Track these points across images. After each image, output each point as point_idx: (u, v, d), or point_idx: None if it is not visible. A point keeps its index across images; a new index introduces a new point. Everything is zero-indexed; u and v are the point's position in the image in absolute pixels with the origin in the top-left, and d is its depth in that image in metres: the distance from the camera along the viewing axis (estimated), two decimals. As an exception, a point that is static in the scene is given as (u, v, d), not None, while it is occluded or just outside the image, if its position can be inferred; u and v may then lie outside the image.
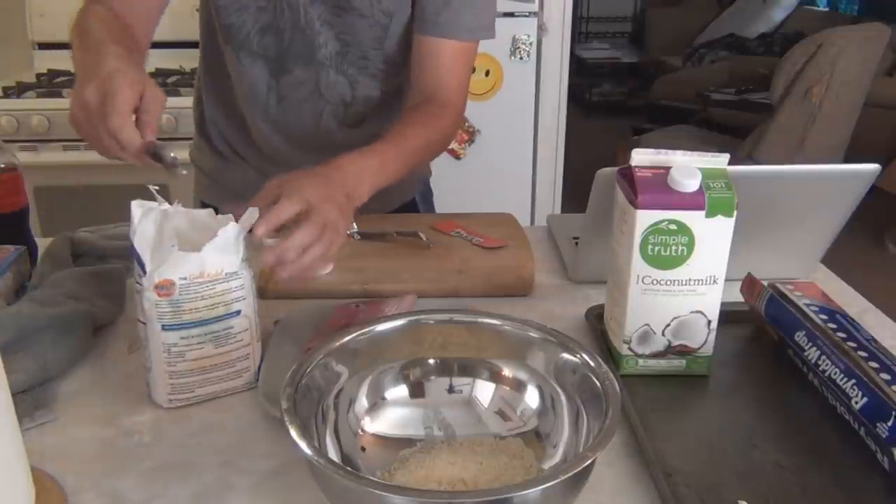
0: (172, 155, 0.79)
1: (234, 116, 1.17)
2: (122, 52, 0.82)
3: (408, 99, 1.13)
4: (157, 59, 2.29)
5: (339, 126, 1.14)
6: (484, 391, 0.70)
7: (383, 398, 0.69)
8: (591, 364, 0.64)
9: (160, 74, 2.25)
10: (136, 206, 0.72)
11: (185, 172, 0.81)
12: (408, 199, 1.30)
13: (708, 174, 0.74)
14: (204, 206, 1.24)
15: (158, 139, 0.80)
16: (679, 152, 0.76)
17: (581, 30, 6.83)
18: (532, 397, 0.68)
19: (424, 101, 1.06)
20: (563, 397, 0.66)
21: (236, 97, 1.15)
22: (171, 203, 0.75)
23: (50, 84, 2.23)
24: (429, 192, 1.36)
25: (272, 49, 1.07)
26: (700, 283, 0.75)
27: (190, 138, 1.29)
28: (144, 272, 0.70)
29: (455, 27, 1.04)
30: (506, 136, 2.57)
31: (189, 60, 2.23)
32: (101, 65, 0.80)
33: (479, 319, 0.71)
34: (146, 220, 0.72)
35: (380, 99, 1.14)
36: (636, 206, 0.73)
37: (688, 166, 0.74)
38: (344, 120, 1.14)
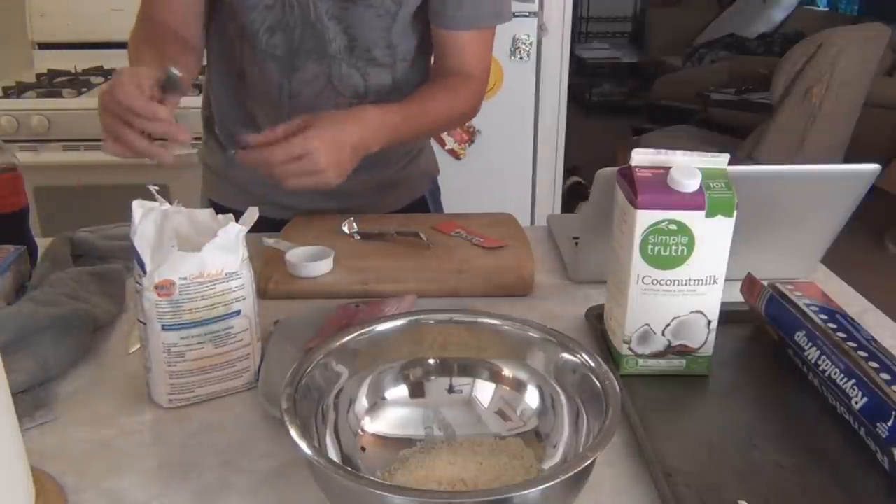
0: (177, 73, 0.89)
1: (245, 114, 1.18)
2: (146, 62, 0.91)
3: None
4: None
5: None
6: (484, 391, 0.70)
7: (383, 398, 0.69)
8: (591, 364, 0.64)
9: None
10: (137, 206, 0.72)
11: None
12: (418, 197, 1.30)
13: (708, 174, 0.74)
14: (212, 203, 1.25)
15: None
16: (679, 152, 0.76)
17: (581, 30, 6.84)
18: (532, 397, 0.68)
19: (449, 75, 1.09)
20: (563, 397, 0.66)
21: (249, 98, 1.15)
22: (171, 203, 0.75)
23: (50, 84, 2.23)
24: (437, 191, 1.36)
25: (281, 48, 1.07)
26: (700, 283, 0.75)
27: (193, 138, 1.29)
28: (144, 272, 0.70)
29: (475, 18, 1.06)
30: (506, 136, 2.57)
31: (189, 60, 2.23)
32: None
33: (479, 319, 0.71)
34: (147, 220, 0.72)
35: (392, 89, 1.14)
36: (636, 206, 0.73)
37: (688, 166, 0.74)
38: None
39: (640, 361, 0.79)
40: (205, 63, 1.20)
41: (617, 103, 5.89)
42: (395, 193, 1.26)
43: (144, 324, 0.72)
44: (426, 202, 1.32)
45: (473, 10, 1.05)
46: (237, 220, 0.75)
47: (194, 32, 1.08)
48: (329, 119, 0.95)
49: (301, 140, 0.91)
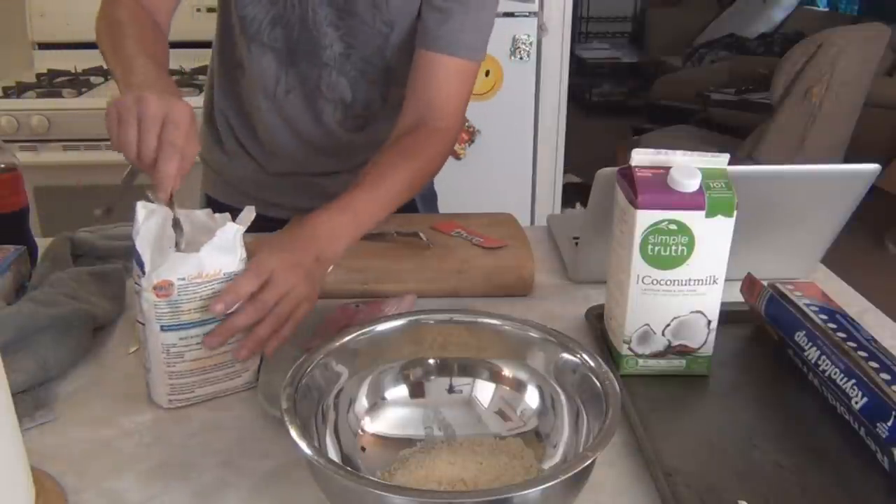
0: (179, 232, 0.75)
1: (243, 110, 1.18)
2: (153, 72, 0.84)
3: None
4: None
5: (340, 127, 1.14)
6: (484, 391, 0.70)
7: (383, 398, 0.69)
8: (591, 364, 0.64)
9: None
10: (141, 207, 0.72)
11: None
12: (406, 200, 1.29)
13: (708, 174, 0.73)
14: (209, 200, 1.25)
15: None
16: (679, 152, 0.76)
17: (581, 30, 6.83)
18: (532, 397, 0.68)
19: (415, 126, 1.03)
20: (563, 397, 0.66)
21: (246, 90, 1.15)
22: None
23: (50, 84, 2.23)
24: (431, 195, 1.35)
25: (281, 41, 1.08)
26: (700, 283, 0.75)
27: None
28: (144, 273, 0.70)
29: (454, 43, 1.03)
30: (506, 136, 2.57)
31: (190, 60, 2.23)
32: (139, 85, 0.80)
33: (479, 319, 0.71)
34: (149, 221, 0.72)
35: (381, 105, 1.14)
36: (636, 206, 0.73)
37: (688, 166, 0.74)
38: (344, 121, 1.14)
39: (640, 361, 0.79)
40: (207, 63, 1.20)
41: (617, 103, 5.89)
42: None
43: (143, 324, 0.72)
44: (416, 206, 1.31)
45: (453, 34, 1.03)
46: (235, 218, 0.75)
47: (164, 18, 1.04)
48: (271, 239, 0.84)
49: (253, 264, 0.75)
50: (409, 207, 1.29)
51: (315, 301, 0.79)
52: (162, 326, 0.71)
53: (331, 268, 0.85)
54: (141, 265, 0.71)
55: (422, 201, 1.32)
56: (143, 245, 0.71)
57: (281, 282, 0.74)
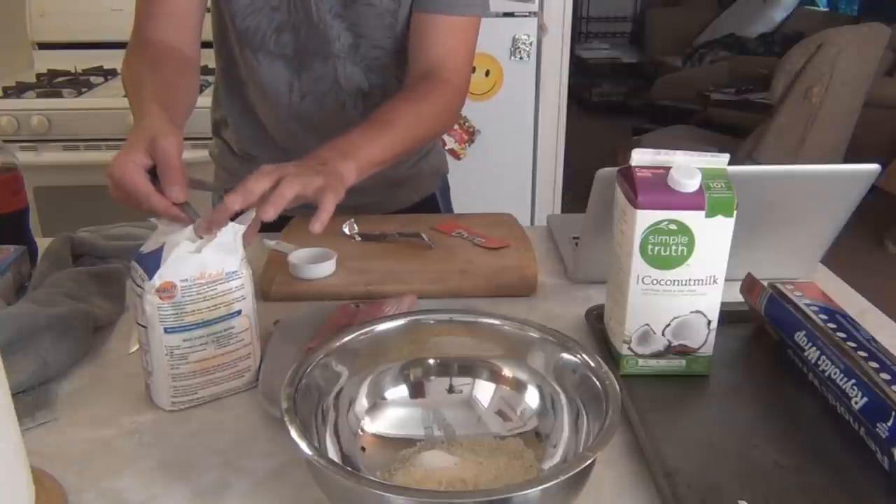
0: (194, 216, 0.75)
1: (251, 119, 1.17)
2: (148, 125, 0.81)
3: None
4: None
5: (361, 117, 1.14)
6: (484, 391, 0.70)
7: (383, 398, 0.69)
8: (591, 364, 0.64)
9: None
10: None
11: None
12: (428, 194, 1.30)
13: (708, 174, 0.74)
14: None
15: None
16: (679, 152, 0.76)
17: (581, 30, 6.84)
18: (532, 397, 0.68)
19: (416, 80, 1.05)
20: (563, 397, 0.66)
21: (258, 105, 1.15)
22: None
23: (50, 84, 2.23)
24: (447, 189, 1.36)
25: (290, 47, 1.08)
26: (700, 283, 0.75)
27: (198, 138, 1.28)
28: (150, 276, 0.70)
29: (450, 1, 1.04)
30: (506, 136, 2.57)
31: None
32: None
33: (479, 319, 0.71)
34: (175, 231, 0.71)
35: (398, 88, 1.13)
36: (636, 206, 0.73)
37: (688, 166, 0.74)
38: (364, 111, 1.14)
39: (640, 361, 0.79)
40: (213, 65, 1.20)
41: (617, 103, 5.89)
42: (406, 191, 1.27)
43: (144, 327, 0.72)
44: (436, 199, 1.32)
45: None
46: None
47: (192, 39, 1.04)
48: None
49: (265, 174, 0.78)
50: (429, 202, 1.29)
51: (335, 187, 0.80)
52: (165, 329, 0.71)
53: (348, 177, 0.85)
54: (150, 270, 0.70)
55: (441, 195, 1.32)
56: (168, 250, 0.70)
57: (286, 168, 0.77)
